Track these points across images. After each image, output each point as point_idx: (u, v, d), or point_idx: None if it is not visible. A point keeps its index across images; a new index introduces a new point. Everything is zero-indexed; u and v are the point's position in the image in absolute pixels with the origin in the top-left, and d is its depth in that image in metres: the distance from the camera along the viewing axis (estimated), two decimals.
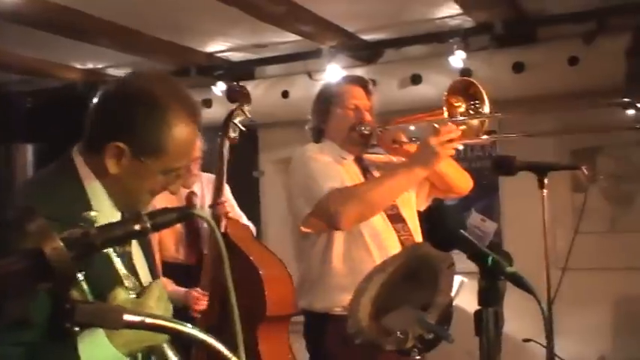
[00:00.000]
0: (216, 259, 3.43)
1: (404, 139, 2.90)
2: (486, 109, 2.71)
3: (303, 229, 2.79)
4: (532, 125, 4.82)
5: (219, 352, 0.95)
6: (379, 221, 2.79)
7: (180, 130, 1.56)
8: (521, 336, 2.86)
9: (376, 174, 2.96)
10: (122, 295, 1.37)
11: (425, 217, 1.67)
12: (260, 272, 3.37)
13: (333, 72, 4.98)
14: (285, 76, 5.54)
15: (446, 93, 2.72)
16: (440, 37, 4.82)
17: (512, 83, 4.60)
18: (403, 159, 2.91)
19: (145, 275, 1.65)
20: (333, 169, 2.80)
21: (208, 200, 3.76)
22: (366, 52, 5.27)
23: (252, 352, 3.37)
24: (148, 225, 1.05)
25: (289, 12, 4.33)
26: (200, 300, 3.45)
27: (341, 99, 2.93)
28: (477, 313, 1.56)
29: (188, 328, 0.91)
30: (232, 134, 3.45)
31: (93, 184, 1.58)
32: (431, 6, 4.44)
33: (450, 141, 2.60)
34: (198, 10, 4.31)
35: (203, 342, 0.93)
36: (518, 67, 4.58)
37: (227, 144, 3.47)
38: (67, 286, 0.84)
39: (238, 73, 5.59)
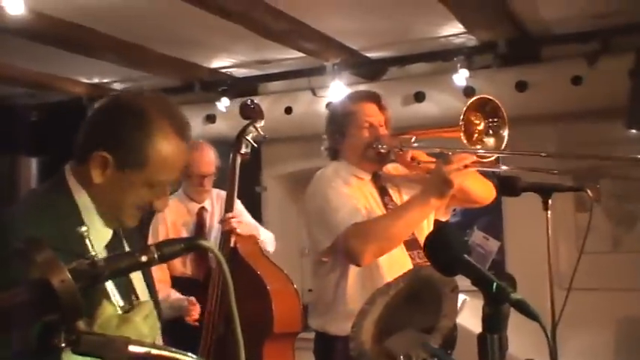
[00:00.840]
0: (218, 275, 3.46)
1: (423, 157, 2.86)
2: (506, 131, 2.69)
3: (322, 259, 2.80)
4: (534, 144, 4.84)
5: None
6: (396, 249, 2.75)
7: (165, 144, 1.58)
8: (524, 356, 2.84)
9: (393, 193, 2.94)
10: (109, 310, 1.37)
11: (428, 242, 1.66)
12: (268, 288, 3.39)
13: (337, 89, 4.99)
14: (288, 92, 5.56)
15: (464, 109, 2.67)
16: (443, 56, 4.84)
17: (515, 102, 4.59)
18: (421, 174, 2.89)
19: (142, 293, 1.65)
20: (351, 200, 2.76)
21: (218, 216, 3.80)
22: (370, 70, 5.29)
23: None
24: (155, 256, 1.05)
25: (293, 29, 4.35)
26: (191, 311, 3.49)
27: (354, 118, 2.89)
28: (481, 339, 1.55)
29: (191, 359, 0.91)
30: (244, 150, 3.51)
31: (83, 198, 1.60)
32: (435, 25, 4.46)
33: (465, 166, 2.57)
34: (202, 27, 4.33)
35: None
36: (521, 86, 4.59)
37: (239, 159, 3.52)
38: (73, 317, 0.84)
39: (242, 88, 5.62)
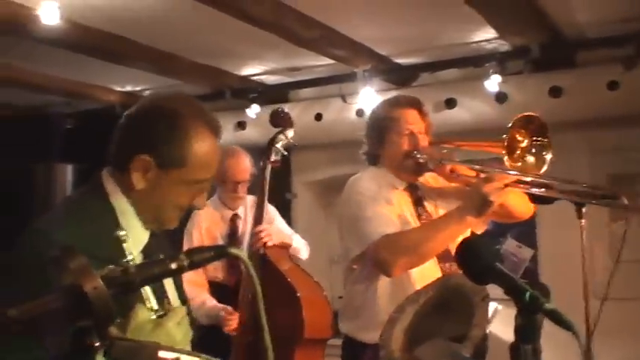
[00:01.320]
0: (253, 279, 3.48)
1: (462, 170, 2.79)
2: (549, 155, 2.63)
3: (353, 266, 2.80)
4: (567, 151, 4.78)
5: None
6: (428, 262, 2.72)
7: (202, 143, 1.62)
8: None
9: (428, 205, 2.89)
10: (143, 315, 1.38)
11: (459, 250, 1.64)
12: (298, 294, 3.40)
13: (367, 95, 4.99)
14: (319, 99, 5.57)
15: (510, 125, 2.60)
16: (475, 61, 4.81)
17: (549, 108, 4.54)
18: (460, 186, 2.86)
19: (174, 298, 1.67)
20: (385, 210, 2.73)
21: (251, 221, 3.83)
22: (401, 76, 5.28)
23: None
24: (185, 263, 1.06)
25: (323, 36, 4.36)
26: (228, 320, 3.51)
27: (396, 124, 2.83)
28: (514, 349, 1.53)
29: None
30: (274, 158, 3.53)
31: (120, 202, 1.63)
32: (466, 30, 4.44)
33: (505, 186, 2.51)
34: (233, 35, 4.36)
35: None
36: (555, 92, 4.53)
37: (269, 167, 3.54)
38: (105, 324, 0.85)
39: (272, 96, 5.64)
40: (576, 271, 2.65)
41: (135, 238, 1.59)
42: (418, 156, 2.80)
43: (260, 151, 3.75)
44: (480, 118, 4.83)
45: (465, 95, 4.91)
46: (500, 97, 4.67)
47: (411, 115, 2.86)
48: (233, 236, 3.90)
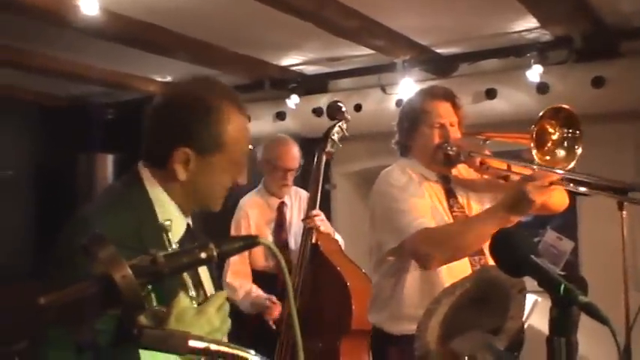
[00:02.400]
0: (301, 269, 3.54)
1: (493, 162, 2.76)
2: (580, 148, 2.56)
3: (388, 258, 2.79)
4: (611, 142, 4.69)
5: None
6: None
7: (234, 123, 1.67)
8: None
9: (460, 197, 2.89)
10: (184, 302, 1.40)
11: (494, 242, 1.63)
12: (348, 284, 3.45)
13: (407, 86, 4.95)
14: (358, 89, 5.54)
15: (540, 116, 2.54)
16: (516, 51, 4.73)
17: (591, 98, 4.47)
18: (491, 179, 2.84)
19: (209, 287, 1.69)
20: (420, 203, 2.72)
21: (297, 212, 3.90)
22: (440, 66, 5.22)
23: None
24: (215, 253, 1.07)
25: (363, 26, 4.34)
26: (271, 309, 3.59)
27: (427, 117, 2.83)
28: (549, 342, 1.52)
29: (251, 355, 0.92)
30: (330, 149, 3.62)
31: (157, 193, 1.66)
32: (508, 20, 4.37)
33: (550, 184, 2.47)
34: (272, 25, 4.37)
35: None
36: (598, 82, 4.43)
37: (324, 158, 3.64)
38: (134, 312, 0.86)
39: (312, 86, 5.64)
40: (617, 264, 2.61)
41: (173, 230, 1.61)
42: (449, 148, 2.79)
43: (301, 142, 3.81)
44: (520, 109, 4.76)
45: (505, 86, 4.84)
46: (542, 88, 4.60)
47: (444, 107, 2.85)
48: (281, 225, 3.96)
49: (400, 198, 2.72)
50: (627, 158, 4.61)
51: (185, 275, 1.46)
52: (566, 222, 4.98)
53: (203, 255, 1.05)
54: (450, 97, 2.90)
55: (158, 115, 1.69)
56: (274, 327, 3.58)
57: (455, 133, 2.83)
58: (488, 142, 2.87)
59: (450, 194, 2.88)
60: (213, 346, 0.90)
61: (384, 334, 2.81)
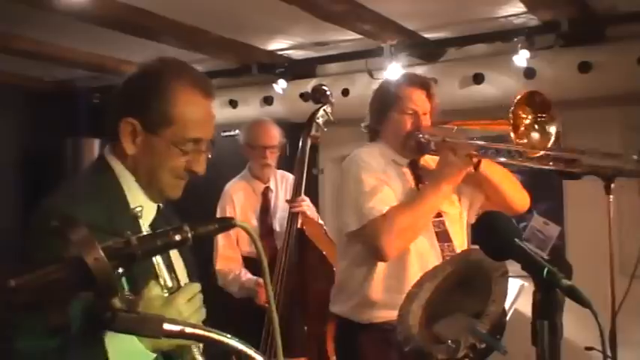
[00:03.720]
0: (287, 253, 3.53)
1: (466, 148, 2.79)
2: (553, 128, 2.66)
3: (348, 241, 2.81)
4: (598, 126, 4.70)
5: None
6: (425, 240, 2.75)
7: (188, 100, 1.61)
8: (584, 344, 2.77)
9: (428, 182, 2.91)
10: (155, 290, 1.38)
11: (477, 226, 1.62)
12: (334, 268, 3.44)
13: (394, 70, 4.94)
14: (345, 74, 5.52)
15: (514, 102, 2.64)
16: (504, 36, 4.71)
17: (578, 83, 4.48)
18: None
19: (182, 276, 1.66)
20: (384, 188, 2.74)
21: (282, 197, 3.90)
22: (428, 51, 5.21)
23: (322, 346, 3.45)
24: (189, 235, 1.06)
25: (350, 10, 4.31)
26: (259, 293, 3.61)
27: (399, 103, 2.84)
28: (533, 324, 1.52)
29: (227, 338, 0.91)
30: (314, 133, 3.62)
31: (126, 177, 1.63)
32: (495, 4, 4.35)
33: (470, 155, 2.66)
34: (259, 9, 4.34)
35: (242, 352, 0.92)
36: (584, 67, 4.43)
37: (309, 142, 3.63)
38: (107, 295, 0.85)
39: (299, 70, 5.61)
40: (604, 249, 2.63)
41: (143, 214, 1.59)
42: (420, 136, 2.81)
43: (287, 126, 3.80)
44: (508, 93, 4.73)
45: (493, 70, 4.83)
46: (529, 73, 4.59)
47: (417, 94, 2.87)
48: (266, 211, 3.96)
49: (367, 182, 2.73)
50: (614, 143, 4.62)
51: (159, 263, 1.44)
52: (553, 207, 5.00)
53: (177, 237, 1.04)
54: (425, 85, 2.91)
55: (116, 90, 1.68)
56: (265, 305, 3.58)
57: (426, 121, 2.86)
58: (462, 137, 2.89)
59: (420, 180, 2.89)
60: (188, 329, 0.89)
61: (352, 323, 2.79)
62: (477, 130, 3.14)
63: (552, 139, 2.64)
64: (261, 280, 3.64)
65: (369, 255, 2.72)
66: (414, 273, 2.60)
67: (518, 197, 2.90)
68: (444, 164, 2.68)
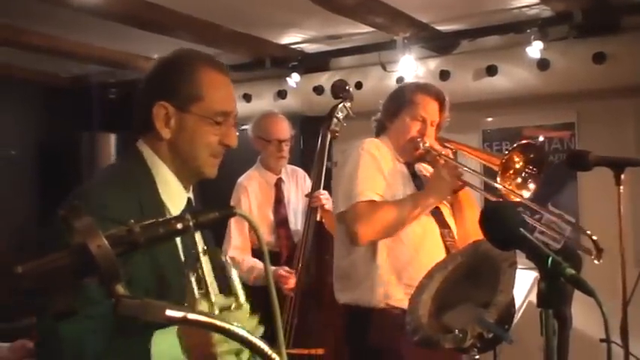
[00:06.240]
0: (305, 246, 3.61)
1: (457, 172, 2.94)
2: (533, 185, 2.87)
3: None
4: (612, 118, 4.67)
5: (264, 353, 0.95)
6: (428, 222, 2.86)
7: (211, 76, 1.70)
8: (599, 335, 2.77)
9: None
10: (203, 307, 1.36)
11: (483, 217, 1.63)
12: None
13: (407, 63, 4.94)
14: (359, 67, 5.52)
15: (515, 145, 2.89)
16: (517, 28, 4.69)
17: (592, 74, 4.45)
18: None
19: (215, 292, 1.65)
20: (379, 177, 2.86)
21: (293, 190, 3.93)
22: (441, 43, 5.19)
23: (338, 337, 3.48)
24: (190, 223, 1.08)
25: (362, 3, 4.32)
26: (287, 278, 3.61)
27: (412, 108, 2.97)
28: (540, 314, 1.54)
29: (232, 327, 0.93)
30: (334, 127, 3.66)
31: (158, 167, 1.68)
32: None
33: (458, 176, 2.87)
34: (272, 3, 4.36)
35: (248, 341, 0.94)
36: (598, 58, 4.40)
37: (329, 136, 3.68)
38: (111, 282, 0.87)
39: (313, 64, 5.62)
40: (617, 239, 2.63)
41: (172, 204, 1.64)
42: (421, 144, 2.94)
43: (302, 120, 3.81)
44: (521, 85, 4.75)
45: (506, 62, 4.81)
46: (543, 64, 4.57)
47: (431, 105, 2.99)
48: (280, 201, 3.99)
49: (364, 168, 2.85)
50: (628, 134, 4.60)
51: (233, 279, 1.44)
52: (567, 199, 4.97)
53: (179, 225, 1.06)
54: (440, 97, 3.04)
55: (142, 83, 1.75)
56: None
57: (431, 132, 3.00)
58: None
59: (416, 178, 3.04)
60: (191, 316, 0.91)
61: (361, 309, 2.85)
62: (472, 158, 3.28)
63: (529, 194, 2.85)
64: (281, 271, 3.67)
65: (347, 237, 2.83)
66: (417, 252, 2.78)
67: (473, 231, 2.90)
68: (436, 178, 2.86)
